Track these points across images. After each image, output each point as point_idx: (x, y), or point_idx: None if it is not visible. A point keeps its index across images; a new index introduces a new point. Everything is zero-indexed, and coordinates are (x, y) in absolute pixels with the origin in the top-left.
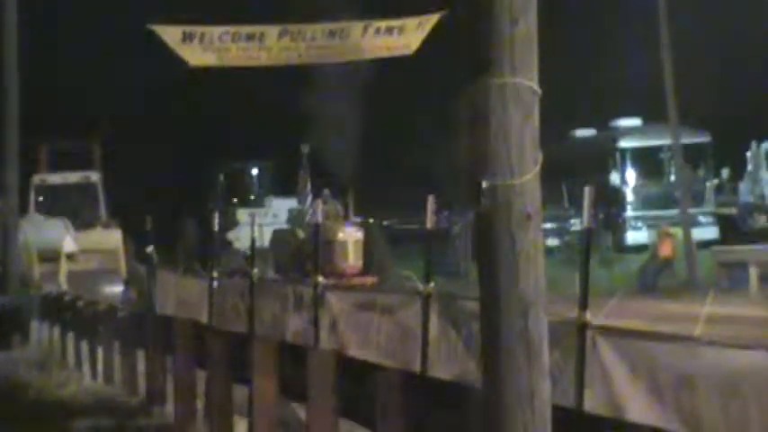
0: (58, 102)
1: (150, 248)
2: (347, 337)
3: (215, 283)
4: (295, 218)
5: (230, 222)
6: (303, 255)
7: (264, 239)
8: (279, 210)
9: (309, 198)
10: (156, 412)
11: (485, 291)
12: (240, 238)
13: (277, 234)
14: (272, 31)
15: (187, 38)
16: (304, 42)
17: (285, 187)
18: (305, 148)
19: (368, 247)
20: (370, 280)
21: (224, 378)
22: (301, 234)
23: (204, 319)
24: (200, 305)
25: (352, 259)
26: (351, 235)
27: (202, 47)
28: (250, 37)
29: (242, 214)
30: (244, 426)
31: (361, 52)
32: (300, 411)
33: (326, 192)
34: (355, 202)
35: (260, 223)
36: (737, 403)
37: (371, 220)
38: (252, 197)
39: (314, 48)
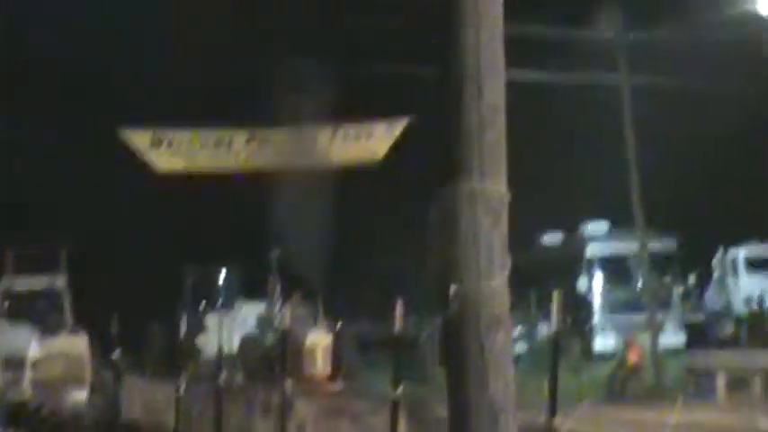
0: (23, 207)
1: (116, 354)
2: None
3: (182, 390)
4: (264, 322)
5: (199, 328)
6: (272, 360)
7: (234, 345)
8: (248, 314)
9: (279, 303)
10: None
11: (454, 396)
12: (209, 344)
13: (246, 340)
14: (239, 136)
15: (156, 143)
16: (272, 147)
17: (253, 291)
18: (275, 253)
19: (337, 352)
20: (337, 386)
21: None
22: (270, 339)
23: (171, 424)
24: (167, 411)
25: (321, 365)
26: (320, 340)
27: (171, 151)
28: (218, 142)
29: (211, 319)
30: None
31: (329, 158)
32: None
33: (297, 295)
34: (324, 306)
35: (228, 328)
36: None
37: (339, 325)
38: (220, 301)
39: (281, 153)
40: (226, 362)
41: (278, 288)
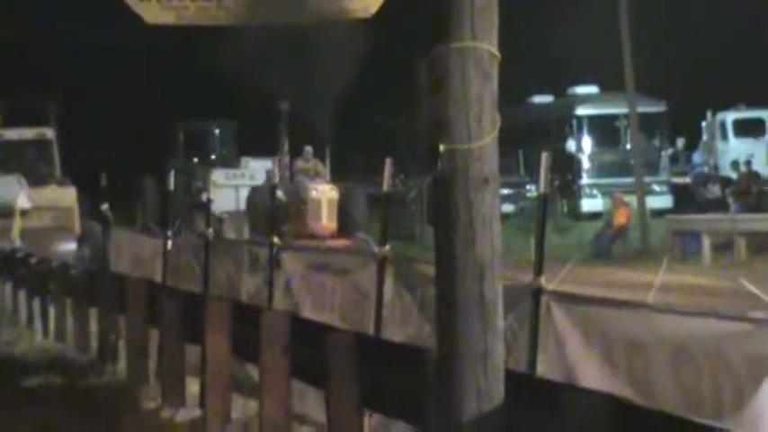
0: (12, 59)
1: (105, 206)
2: (301, 299)
3: (169, 242)
4: (272, 177)
5: (192, 182)
6: (279, 215)
7: (241, 202)
8: (256, 171)
9: (287, 157)
10: (108, 370)
11: (441, 254)
12: (216, 201)
13: (253, 193)
14: None
15: None
16: (263, 3)
17: (260, 147)
18: (284, 105)
19: (343, 208)
20: (343, 243)
21: (177, 337)
22: (279, 193)
23: (158, 277)
24: (155, 264)
25: (326, 220)
26: (325, 194)
27: (161, 5)
28: None
29: (218, 175)
30: (196, 385)
31: (321, 14)
32: (253, 372)
33: (308, 149)
34: (335, 162)
35: (236, 184)
36: (689, 369)
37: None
38: (213, 156)
39: (273, 9)
40: (233, 218)
41: (286, 142)
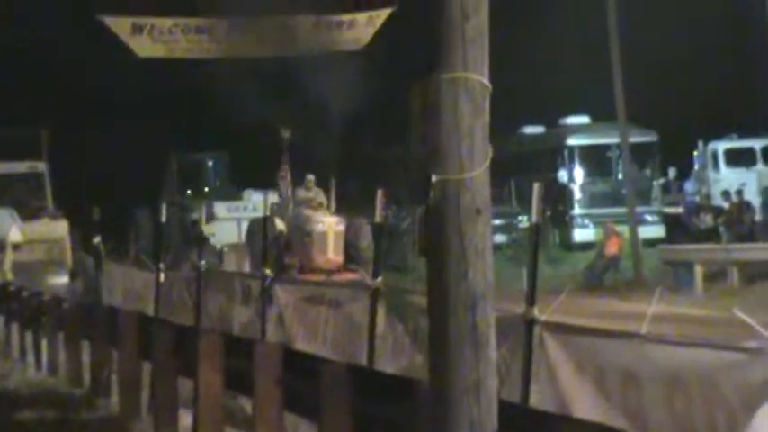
0: (1, 91)
1: (97, 239)
2: (294, 331)
3: (162, 275)
4: (274, 209)
5: (207, 216)
6: (281, 247)
7: (243, 234)
8: (258, 203)
9: (289, 188)
10: (101, 404)
11: (433, 284)
12: (217, 234)
13: (253, 224)
14: (222, 24)
15: (137, 30)
16: (254, 36)
17: (254, 179)
18: (285, 133)
19: (349, 241)
20: (350, 277)
21: (170, 370)
22: (280, 225)
23: (151, 310)
24: (147, 297)
25: (332, 253)
26: (331, 227)
27: (152, 38)
28: (200, 30)
29: (220, 208)
30: (189, 418)
31: (311, 46)
32: (246, 404)
33: (311, 177)
34: (337, 192)
35: (238, 217)
36: (683, 400)
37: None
38: (206, 189)
39: (263, 42)
40: (234, 251)
41: (288, 172)
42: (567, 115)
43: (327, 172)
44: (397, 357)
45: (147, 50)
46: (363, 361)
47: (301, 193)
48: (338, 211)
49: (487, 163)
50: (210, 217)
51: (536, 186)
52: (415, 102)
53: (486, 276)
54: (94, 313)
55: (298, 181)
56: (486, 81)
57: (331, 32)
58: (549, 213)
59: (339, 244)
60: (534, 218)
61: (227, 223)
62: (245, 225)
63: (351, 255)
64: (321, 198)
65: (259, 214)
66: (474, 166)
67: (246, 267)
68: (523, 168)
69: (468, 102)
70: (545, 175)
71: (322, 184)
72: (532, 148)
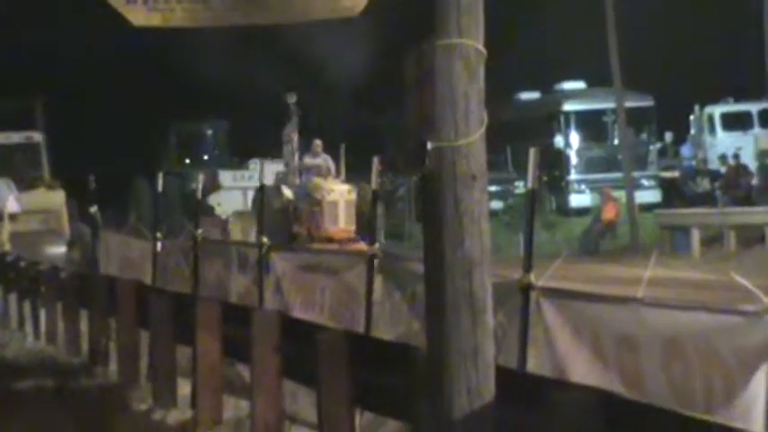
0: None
1: (94, 209)
2: (291, 299)
3: (159, 244)
4: (282, 177)
5: (212, 186)
6: (289, 216)
7: (249, 203)
8: (267, 172)
9: (297, 154)
10: (99, 373)
11: (429, 251)
12: (223, 204)
13: (259, 195)
14: None
15: None
16: (249, 3)
17: (255, 148)
18: (291, 98)
19: (361, 209)
20: (364, 246)
21: (167, 339)
22: (287, 193)
23: (148, 279)
24: (145, 266)
25: (344, 223)
26: (343, 196)
27: (147, 7)
28: None
29: (225, 177)
30: (187, 386)
31: (308, 14)
32: (245, 372)
33: (318, 142)
34: (347, 158)
35: (245, 186)
36: (679, 363)
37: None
38: (206, 158)
39: (259, 8)
40: (241, 221)
41: (296, 137)
42: (562, 81)
43: (336, 138)
44: (395, 324)
45: (141, 20)
46: (361, 328)
47: (308, 159)
48: (348, 179)
49: (483, 129)
50: (208, 188)
51: (532, 152)
52: (410, 69)
53: (482, 243)
54: (92, 282)
55: (304, 148)
56: (481, 47)
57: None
58: (545, 179)
59: (351, 213)
60: (530, 183)
61: (233, 192)
62: (251, 194)
63: (362, 225)
64: (329, 164)
65: (266, 183)
66: (469, 133)
67: (252, 237)
68: (519, 134)
69: (463, 68)
70: (541, 141)
71: (330, 150)
72: (528, 113)
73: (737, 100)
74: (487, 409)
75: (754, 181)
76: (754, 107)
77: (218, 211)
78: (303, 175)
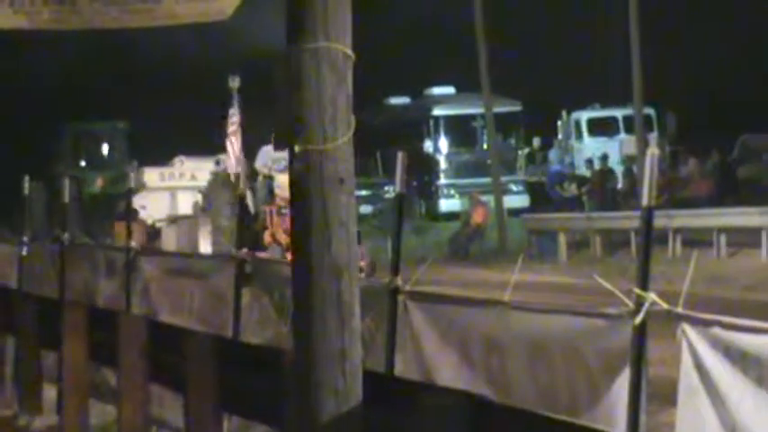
0: None
1: None
2: (160, 303)
3: (24, 248)
4: (219, 180)
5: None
6: (252, 222)
7: (179, 206)
8: (196, 171)
9: (241, 149)
10: None
11: (297, 255)
12: (148, 206)
13: (214, 193)
14: None
15: None
16: (117, 6)
17: (152, 151)
18: (233, 82)
19: None
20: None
21: (33, 344)
22: (248, 196)
23: (14, 284)
24: (10, 270)
25: None
26: None
27: (13, 9)
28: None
29: (151, 175)
30: (53, 392)
31: (175, 17)
32: (112, 377)
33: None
34: None
35: (174, 186)
36: (545, 366)
37: None
38: (104, 160)
39: (127, 12)
40: (174, 224)
41: (238, 129)
42: (432, 86)
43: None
44: (263, 328)
45: (7, 22)
46: (229, 332)
47: (269, 152)
48: None
49: (351, 133)
50: (138, 187)
51: (400, 156)
52: (279, 73)
53: (349, 246)
54: None
55: (253, 142)
56: (349, 51)
57: (196, 3)
58: (415, 184)
59: None
60: (398, 187)
61: (159, 193)
62: (182, 196)
63: None
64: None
65: (198, 184)
66: (337, 136)
67: (204, 247)
68: (389, 139)
69: (330, 72)
70: (411, 146)
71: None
72: (398, 118)
73: (604, 106)
74: (355, 413)
75: (620, 186)
76: (619, 113)
77: (144, 214)
78: (261, 172)
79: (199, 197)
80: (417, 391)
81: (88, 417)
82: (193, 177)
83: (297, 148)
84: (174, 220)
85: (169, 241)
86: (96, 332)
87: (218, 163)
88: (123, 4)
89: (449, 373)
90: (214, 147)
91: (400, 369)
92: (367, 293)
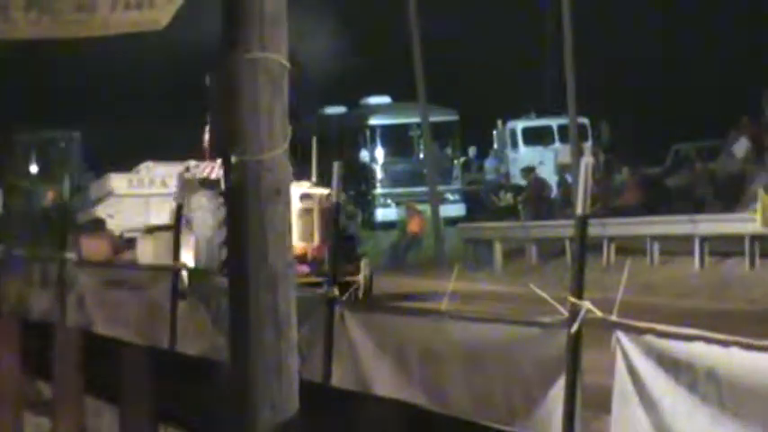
0: None
1: None
2: (95, 314)
3: None
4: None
5: (100, 194)
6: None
7: (152, 214)
8: (166, 177)
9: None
10: None
11: (234, 265)
12: (116, 215)
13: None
14: (17, 2)
15: None
16: (50, 16)
17: (161, 150)
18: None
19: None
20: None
21: None
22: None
23: None
24: None
25: (318, 240)
26: (321, 202)
27: None
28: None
29: (119, 182)
30: None
31: (109, 27)
32: (46, 389)
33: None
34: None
35: (146, 194)
36: (481, 375)
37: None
38: (53, 170)
39: (61, 22)
40: (150, 235)
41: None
42: (368, 95)
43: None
44: (199, 339)
45: None
46: (165, 343)
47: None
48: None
49: (287, 143)
50: (105, 194)
51: (336, 165)
52: (216, 82)
53: (286, 257)
54: None
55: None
56: (285, 61)
57: (129, 13)
58: (352, 193)
59: (309, 224)
60: (334, 197)
61: (130, 201)
62: (156, 202)
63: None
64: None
65: (168, 190)
66: (274, 147)
67: (188, 260)
68: (326, 148)
69: (266, 82)
70: (347, 155)
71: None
72: (334, 128)
73: (539, 115)
74: (292, 424)
75: (554, 195)
76: (554, 122)
77: (112, 224)
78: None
79: (173, 204)
80: (354, 401)
81: (22, 430)
82: (164, 184)
83: (233, 159)
84: (151, 230)
85: (146, 254)
86: (30, 344)
87: (188, 169)
88: (58, 13)
89: (385, 382)
90: (182, 152)
91: (337, 379)
92: (304, 303)
